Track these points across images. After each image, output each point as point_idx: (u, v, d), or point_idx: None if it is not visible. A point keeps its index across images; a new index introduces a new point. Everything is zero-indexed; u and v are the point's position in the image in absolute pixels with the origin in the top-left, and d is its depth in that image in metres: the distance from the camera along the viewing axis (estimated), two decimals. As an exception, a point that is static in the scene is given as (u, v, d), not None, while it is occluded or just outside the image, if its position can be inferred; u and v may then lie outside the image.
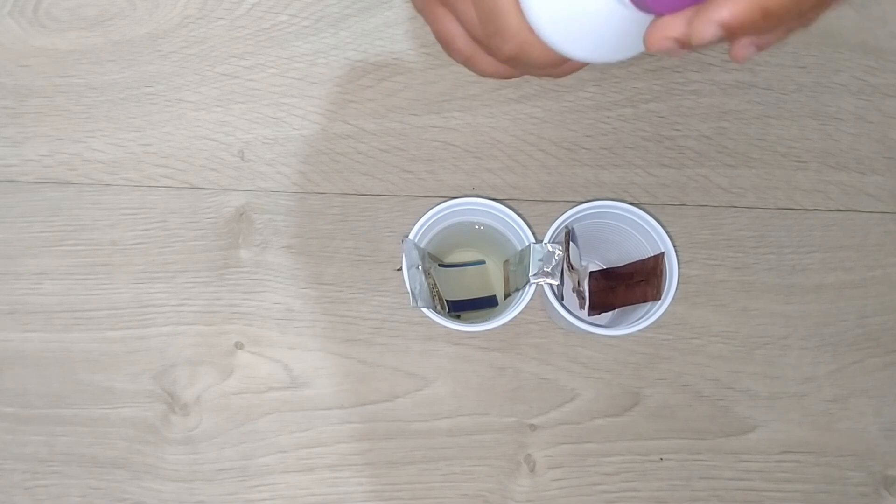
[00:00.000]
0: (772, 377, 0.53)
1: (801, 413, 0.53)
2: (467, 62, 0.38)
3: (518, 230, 0.47)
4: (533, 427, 0.52)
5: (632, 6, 0.31)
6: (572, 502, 0.51)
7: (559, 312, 0.46)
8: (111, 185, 0.54)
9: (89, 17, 0.56)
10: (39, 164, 0.54)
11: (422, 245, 0.47)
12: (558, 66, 0.36)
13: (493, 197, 0.48)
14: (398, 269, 0.53)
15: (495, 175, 0.54)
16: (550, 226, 0.47)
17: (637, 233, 0.48)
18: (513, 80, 0.45)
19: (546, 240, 0.46)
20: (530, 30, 0.34)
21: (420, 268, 0.46)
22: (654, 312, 0.46)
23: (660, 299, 0.46)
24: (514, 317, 0.45)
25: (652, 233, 0.47)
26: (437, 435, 0.52)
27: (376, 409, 0.52)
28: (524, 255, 0.46)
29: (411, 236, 0.46)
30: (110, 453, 0.51)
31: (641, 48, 0.35)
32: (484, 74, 0.39)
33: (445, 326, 0.45)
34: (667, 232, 0.47)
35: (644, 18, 0.33)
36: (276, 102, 0.55)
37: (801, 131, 0.55)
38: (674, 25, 0.31)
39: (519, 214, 0.47)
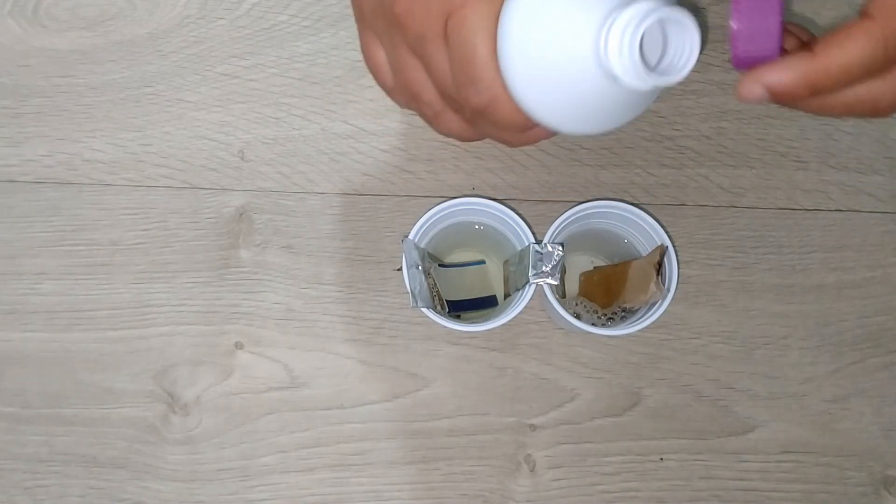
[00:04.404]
0: (772, 377, 0.53)
1: (801, 413, 0.53)
2: (433, 117, 0.38)
3: (518, 230, 0.47)
4: (533, 427, 0.52)
5: (617, 82, 0.31)
6: (572, 502, 0.51)
7: (559, 312, 0.46)
8: (111, 185, 0.54)
9: (89, 17, 0.56)
10: (39, 164, 0.54)
11: (422, 245, 0.47)
12: (523, 132, 0.36)
13: (493, 197, 0.48)
14: (398, 269, 0.53)
15: (495, 175, 0.54)
16: (550, 226, 0.47)
17: (637, 233, 0.48)
18: (473, 142, 0.44)
19: (546, 240, 0.46)
20: (503, 85, 0.34)
21: (420, 268, 0.46)
22: (654, 312, 0.46)
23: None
24: (514, 317, 0.45)
25: (652, 233, 0.47)
26: (437, 435, 0.52)
27: (376, 409, 0.52)
28: (524, 255, 0.46)
29: (411, 236, 0.46)
30: (110, 453, 0.51)
31: (615, 125, 0.34)
32: (447, 133, 0.39)
33: (445, 326, 0.45)
34: (667, 232, 0.47)
35: (625, 97, 0.32)
36: (276, 102, 0.55)
37: (801, 131, 0.55)
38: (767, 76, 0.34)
39: (519, 214, 0.47)
